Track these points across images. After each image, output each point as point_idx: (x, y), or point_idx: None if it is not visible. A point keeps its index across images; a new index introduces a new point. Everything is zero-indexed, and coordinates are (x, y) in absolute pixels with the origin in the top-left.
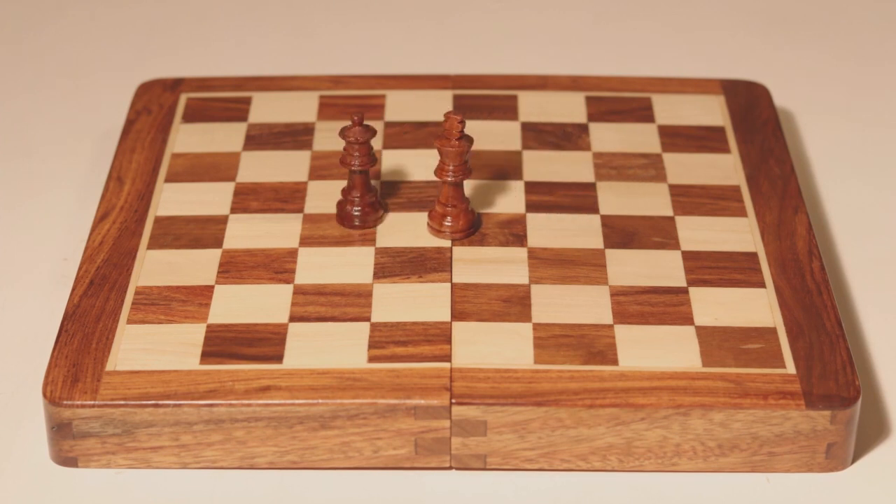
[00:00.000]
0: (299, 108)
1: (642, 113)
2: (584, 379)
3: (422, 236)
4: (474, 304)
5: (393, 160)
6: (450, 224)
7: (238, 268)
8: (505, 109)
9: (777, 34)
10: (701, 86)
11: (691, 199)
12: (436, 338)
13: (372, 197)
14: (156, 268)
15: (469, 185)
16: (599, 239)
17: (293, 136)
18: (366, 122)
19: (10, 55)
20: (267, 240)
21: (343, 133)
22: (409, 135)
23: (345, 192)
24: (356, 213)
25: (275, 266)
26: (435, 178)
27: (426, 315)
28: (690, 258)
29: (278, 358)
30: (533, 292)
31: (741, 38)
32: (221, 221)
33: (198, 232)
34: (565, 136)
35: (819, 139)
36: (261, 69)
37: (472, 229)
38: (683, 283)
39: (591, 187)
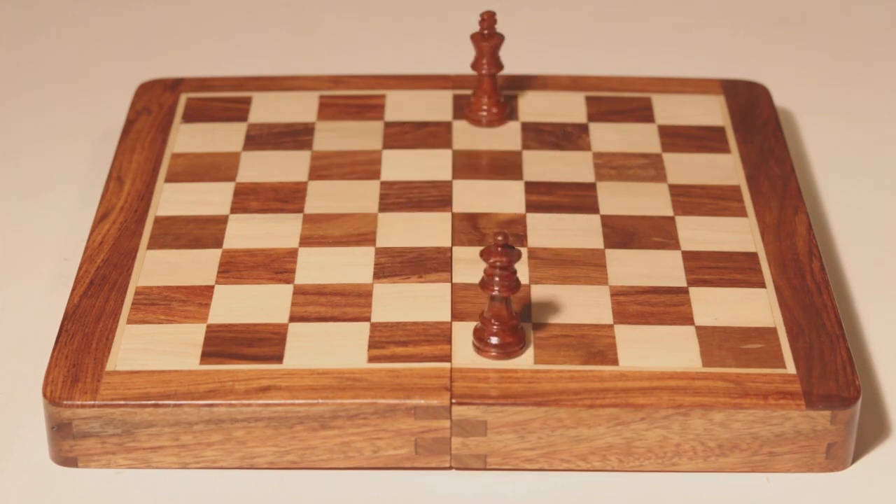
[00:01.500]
0: (299, 108)
1: (642, 113)
2: (584, 379)
3: (422, 236)
4: (474, 304)
5: (393, 160)
6: (485, 113)
7: (238, 268)
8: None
9: (777, 34)
10: (701, 86)
11: (691, 199)
12: (436, 338)
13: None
14: (156, 268)
15: (469, 185)
16: (599, 239)
17: (293, 136)
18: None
19: (10, 55)
20: (267, 240)
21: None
22: (409, 135)
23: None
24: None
25: (275, 266)
26: (435, 178)
27: (426, 315)
28: (690, 258)
29: (278, 358)
30: (533, 292)
31: (741, 38)
32: (221, 221)
33: (198, 232)
34: (565, 136)
35: (819, 139)
36: (261, 69)
37: (507, 118)
38: (683, 283)
39: (591, 187)
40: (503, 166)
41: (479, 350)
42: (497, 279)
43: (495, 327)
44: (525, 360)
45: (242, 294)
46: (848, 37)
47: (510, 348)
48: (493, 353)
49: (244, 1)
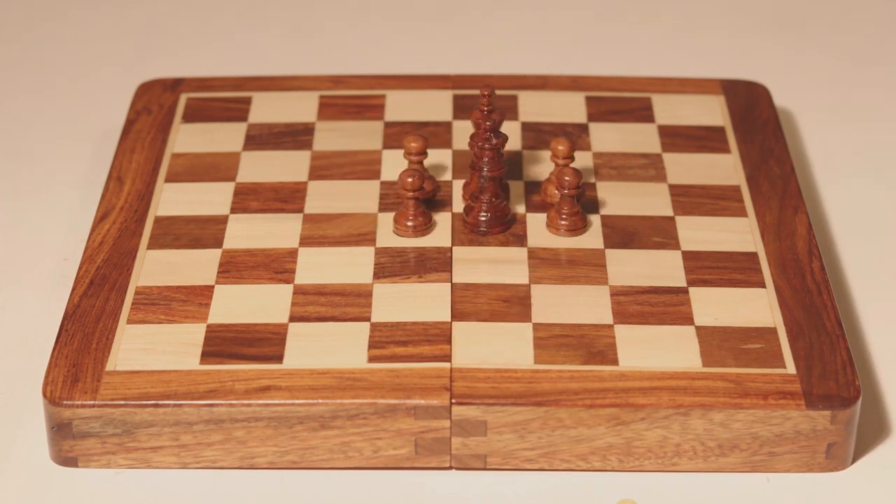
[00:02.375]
0: (299, 108)
1: (642, 113)
2: (584, 379)
3: (422, 236)
4: (474, 304)
5: (393, 160)
6: (485, 218)
7: (238, 268)
8: (505, 109)
9: (777, 34)
10: (701, 86)
11: (691, 199)
12: (436, 338)
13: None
14: (156, 268)
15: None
16: (599, 239)
17: (293, 136)
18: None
19: (10, 55)
20: (267, 240)
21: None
22: (409, 135)
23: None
24: (483, 219)
25: (275, 266)
26: (435, 179)
27: (426, 315)
28: (690, 258)
29: (278, 358)
30: (533, 292)
31: (741, 38)
32: (221, 221)
33: (198, 232)
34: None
35: (819, 139)
36: (261, 69)
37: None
38: (683, 283)
39: (591, 187)
40: None
41: (470, 226)
42: (486, 160)
43: (485, 205)
44: (525, 360)
45: (242, 294)
46: (848, 37)
47: (504, 218)
48: (483, 229)
49: (244, 1)
